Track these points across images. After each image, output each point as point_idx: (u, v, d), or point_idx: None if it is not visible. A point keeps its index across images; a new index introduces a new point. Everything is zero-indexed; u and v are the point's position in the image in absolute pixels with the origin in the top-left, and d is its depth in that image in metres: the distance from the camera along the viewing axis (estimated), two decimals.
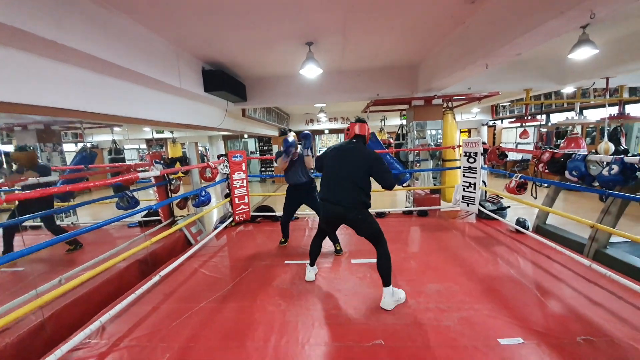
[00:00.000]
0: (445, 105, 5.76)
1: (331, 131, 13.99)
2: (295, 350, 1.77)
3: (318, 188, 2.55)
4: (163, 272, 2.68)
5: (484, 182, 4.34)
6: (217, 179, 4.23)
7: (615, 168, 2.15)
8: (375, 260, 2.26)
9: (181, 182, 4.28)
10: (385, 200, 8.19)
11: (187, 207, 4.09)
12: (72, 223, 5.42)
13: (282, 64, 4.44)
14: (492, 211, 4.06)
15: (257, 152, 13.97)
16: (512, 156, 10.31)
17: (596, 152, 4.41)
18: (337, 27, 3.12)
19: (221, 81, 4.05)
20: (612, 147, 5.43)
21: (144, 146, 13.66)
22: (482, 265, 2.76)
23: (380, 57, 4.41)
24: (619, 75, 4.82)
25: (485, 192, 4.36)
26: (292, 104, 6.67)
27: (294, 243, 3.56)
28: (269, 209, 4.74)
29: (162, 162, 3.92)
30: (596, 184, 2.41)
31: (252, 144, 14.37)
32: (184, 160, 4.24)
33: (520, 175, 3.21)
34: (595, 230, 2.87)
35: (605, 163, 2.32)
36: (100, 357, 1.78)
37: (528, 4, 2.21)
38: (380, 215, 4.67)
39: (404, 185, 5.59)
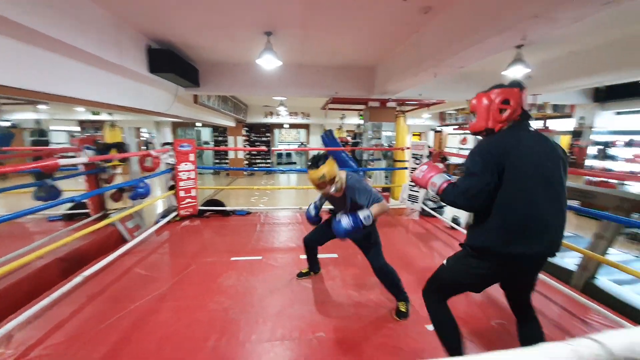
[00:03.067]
0: (398, 108, 6.06)
1: (291, 125, 13.85)
2: (236, 349, 1.72)
3: None
4: (88, 272, 2.40)
5: None
6: (161, 169, 3.90)
7: None
8: (323, 256, 2.30)
9: (116, 172, 3.86)
10: None
11: (123, 199, 3.71)
12: None
13: (240, 52, 4.25)
14: (432, 209, 4.40)
15: (212, 143, 13.25)
16: (455, 160, 11.27)
17: None
18: (296, 19, 3.07)
19: (170, 62, 3.71)
20: None
21: (76, 128, 12.07)
22: (420, 259, 2.97)
23: (340, 56, 4.46)
24: (545, 93, 5.54)
25: (428, 191, 4.70)
26: (250, 95, 6.45)
27: (244, 238, 3.45)
28: (219, 203, 4.52)
29: (94, 147, 3.49)
30: None
31: (206, 134, 13.57)
32: (121, 146, 3.83)
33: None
34: None
35: None
36: None
37: (473, 20, 2.41)
38: (329, 212, 4.74)
39: None
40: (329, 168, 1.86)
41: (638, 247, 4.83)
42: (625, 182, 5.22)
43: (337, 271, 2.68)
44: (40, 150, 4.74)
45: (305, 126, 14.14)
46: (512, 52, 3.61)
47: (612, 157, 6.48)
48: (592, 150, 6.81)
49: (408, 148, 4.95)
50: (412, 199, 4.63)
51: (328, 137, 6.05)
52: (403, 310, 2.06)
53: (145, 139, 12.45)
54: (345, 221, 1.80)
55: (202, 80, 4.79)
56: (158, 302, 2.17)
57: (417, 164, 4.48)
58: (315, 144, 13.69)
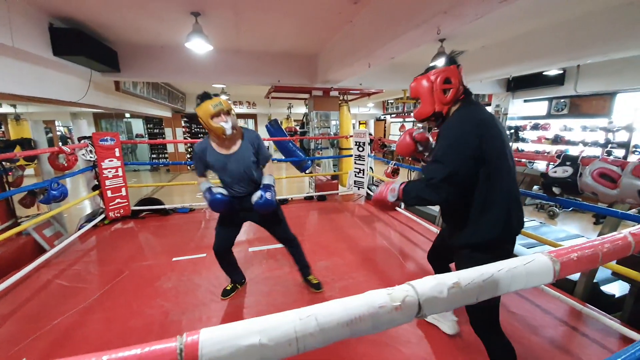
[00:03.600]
0: (341, 97, 6.20)
1: (237, 116, 13.20)
2: None
3: None
4: None
5: (371, 168, 4.93)
6: (80, 167, 3.45)
7: None
8: (271, 247, 2.28)
9: (24, 173, 3.31)
10: (292, 187, 8.41)
11: (37, 205, 3.21)
12: None
13: (166, 33, 3.87)
14: None
15: (146, 136, 12.04)
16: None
17: None
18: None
19: (78, 43, 3.20)
20: None
21: None
22: (363, 240, 3.17)
23: (279, 43, 4.36)
24: (466, 84, 6.16)
25: (372, 177, 4.98)
26: (182, 81, 5.96)
27: (186, 237, 3.27)
28: (157, 201, 4.18)
29: None
30: None
31: (138, 126, 12.24)
32: (27, 143, 3.28)
33: (394, 162, 3.78)
34: None
35: None
36: None
37: (395, 14, 2.54)
38: (283, 202, 4.76)
39: (307, 172, 5.85)
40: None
41: (543, 215, 5.81)
42: (534, 161, 6.15)
43: (284, 260, 2.72)
44: None
45: (252, 116, 13.68)
46: (436, 46, 3.93)
47: (523, 140, 7.57)
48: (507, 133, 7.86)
49: (351, 136, 5.14)
50: (358, 184, 4.86)
51: (273, 127, 5.94)
52: (317, 282, 2.24)
53: (60, 133, 10.78)
54: (268, 195, 1.77)
55: (123, 65, 4.26)
56: (84, 315, 1.97)
57: (360, 151, 4.68)
58: (263, 134, 13.36)
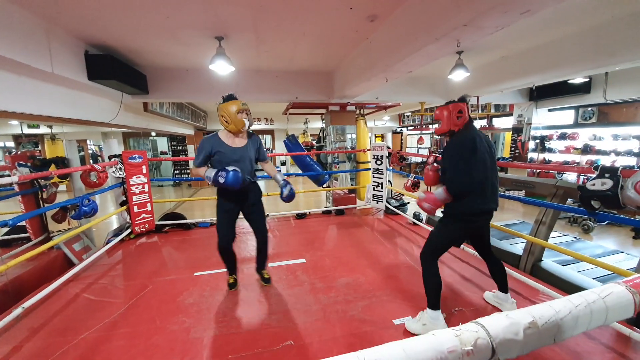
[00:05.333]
0: (358, 111, 6.24)
1: (255, 131, 13.59)
2: None
3: None
4: (28, 303, 2.14)
5: (390, 181, 4.86)
6: (110, 183, 3.61)
7: None
8: (291, 262, 2.30)
9: (58, 189, 3.50)
10: (310, 201, 8.41)
11: (68, 220, 3.37)
12: None
13: (191, 57, 4.09)
14: (395, 207, 4.58)
15: (170, 153, 12.55)
16: (416, 159, 11.88)
17: None
18: (248, 24, 3.04)
19: (111, 68, 3.44)
20: None
21: (10, 144, 10.76)
22: (385, 256, 3.07)
23: (297, 61, 4.49)
24: (486, 95, 6.05)
25: (391, 190, 4.90)
26: (205, 101, 6.21)
27: (207, 252, 3.30)
28: (180, 216, 4.29)
29: (28, 164, 3.14)
30: None
31: (163, 143, 12.82)
32: (61, 161, 3.49)
33: (414, 175, 3.70)
34: None
35: None
36: None
37: (413, 28, 2.56)
38: (301, 216, 4.75)
39: (324, 185, 5.84)
40: None
41: (577, 229, 5.46)
42: (564, 172, 5.87)
43: (305, 276, 2.68)
44: None
45: (270, 132, 13.99)
46: (453, 58, 3.91)
47: (549, 150, 7.26)
48: (532, 144, 7.57)
49: (369, 149, 5.11)
50: (377, 198, 4.78)
51: (291, 142, 6.03)
52: (268, 277, 2.54)
53: (92, 151, 11.45)
54: (291, 187, 2.32)
55: (152, 87, 4.53)
56: (109, 330, 1.99)
57: (379, 164, 4.64)
58: (281, 149, 13.59)
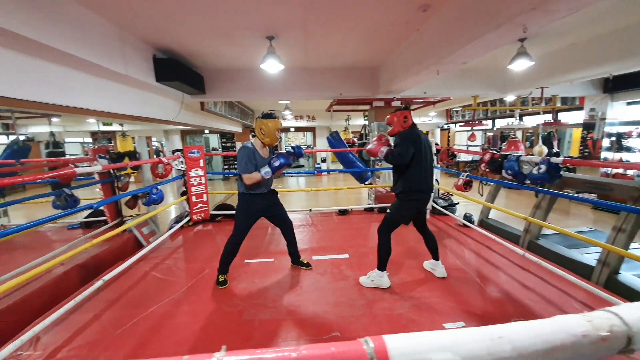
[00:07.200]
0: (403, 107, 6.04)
1: (297, 129, 13.93)
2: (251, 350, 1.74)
3: None
4: (107, 277, 2.47)
5: (437, 180, 4.63)
6: (173, 175, 3.99)
7: (543, 167, 2.44)
8: (335, 257, 2.47)
9: (130, 179, 3.96)
10: (351, 198, 8.39)
11: (138, 206, 3.81)
12: (1, 225, 4.75)
13: (243, 57, 4.32)
14: (443, 207, 4.36)
15: (220, 149, 13.43)
16: (465, 157, 11.15)
17: (533, 155, 4.92)
18: (297, 22, 3.11)
19: (175, 71, 3.80)
20: (545, 149, 6.12)
21: (89, 140, 12.41)
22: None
23: (343, 57, 4.49)
24: (552, 86, 5.45)
25: (438, 189, 4.67)
26: (255, 99, 6.52)
27: (255, 242, 3.49)
28: (230, 207, 4.59)
29: (107, 156, 3.60)
30: (528, 181, 2.70)
31: (214, 140, 13.78)
32: (134, 155, 3.93)
33: (466, 174, 3.49)
34: (529, 224, 3.22)
35: (535, 163, 2.62)
36: None
37: (471, 16, 2.40)
38: (343, 212, 4.76)
39: (367, 183, 5.78)
40: None
41: None
42: None
43: (349, 271, 2.69)
44: (56, 161, 4.91)
45: (311, 129, 14.20)
46: (514, 46, 3.57)
47: (627, 149, 6.31)
48: (606, 142, 6.64)
49: None
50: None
51: (334, 139, 6.05)
52: (307, 261, 2.81)
53: (155, 147, 12.70)
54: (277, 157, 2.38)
55: (208, 87, 4.88)
56: (174, 306, 2.22)
57: None
58: (322, 146, 13.73)
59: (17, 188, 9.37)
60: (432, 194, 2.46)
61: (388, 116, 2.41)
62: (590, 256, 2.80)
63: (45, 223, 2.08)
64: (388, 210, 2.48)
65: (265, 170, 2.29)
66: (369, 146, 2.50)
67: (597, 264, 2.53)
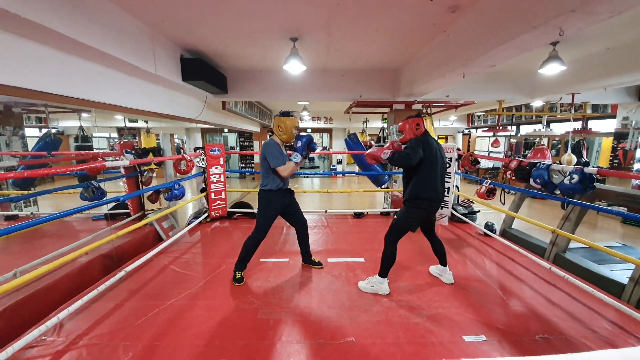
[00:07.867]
0: (424, 110, 5.92)
1: (314, 130, 13.97)
2: (266, 349, 1.74)
3: None
4: (129, 268, 2.55)
5: (457, 186, 4.50)
6: (193, 172, 4.08)
7: (576, 177, 2.31)
8: (350, 260, 2.39)
9: (153, 174, 4.09)
10: (365, 201, 8.31)
11: (160, 200, 3.92)
12: (31, 213, 5.03)
13: (266, 58, 4.36)
14: (463, 215, 4.23)
15: (238, 147, 13.67)
16: (485, 163, 10.80)
17: (560, 163, 4.69)
18: (322, 23, 3.11)
19: (200, 71, 3.90)
20: (574, 158, 5.83)
21: (115, 135, 12.93)
22: (452, 266, 2.84)
23: (364, 59, 4.45)
24: (583, 92, 5.19)
25: (458, 196, 4.54)
26: (275, 100, 6.58)
27: (271, 241, 3.50)
28: (247, 205, 4.64)
29: (133, 152, 3.73)
30: (557, 192, 2.57)
31: (232, 139, 14.04)
32: (157, 151, 4.06)
33: (490, 181, 3.36)
34: (556, 236, 3.06)
35: (566, 172, 2.48)
36: (56, 356, 1.66)
37: (503, 17, 2.31)
38: (359, 215, 4.72)
39: (383, 186, 5.70)
40: None
41: None
42: None
43: (364, 275, 2.65)
44: (86, 154, 5.14)
45: (328, 130, 14.21)
46: (546, 50, 3.42)
47: None
48: (639, 153, 6.24)
49: None
50: (442, 204, 4.47)
51: (352, 141, 6.03)
52: (318, 261, 2.83)
53: (176, 144, 13.08)
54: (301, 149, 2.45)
55: (230, 87, 4.98)
56: (192, 299, 2.26)
57: (446, 167, 4.33)
58: (338, 148, 13.70)
59: (47, 179, 9.88)
60: (441, 203, 2.39)
61: (400, 123, 2.39)
62: (620, 273, 2.64)
63: (74, 213, 2.18)
64: (395, 217, 2.44)
65: (295, 155, 2.39)
66: (370, 150, 2.45)
67: (629, 281, 2.37)
